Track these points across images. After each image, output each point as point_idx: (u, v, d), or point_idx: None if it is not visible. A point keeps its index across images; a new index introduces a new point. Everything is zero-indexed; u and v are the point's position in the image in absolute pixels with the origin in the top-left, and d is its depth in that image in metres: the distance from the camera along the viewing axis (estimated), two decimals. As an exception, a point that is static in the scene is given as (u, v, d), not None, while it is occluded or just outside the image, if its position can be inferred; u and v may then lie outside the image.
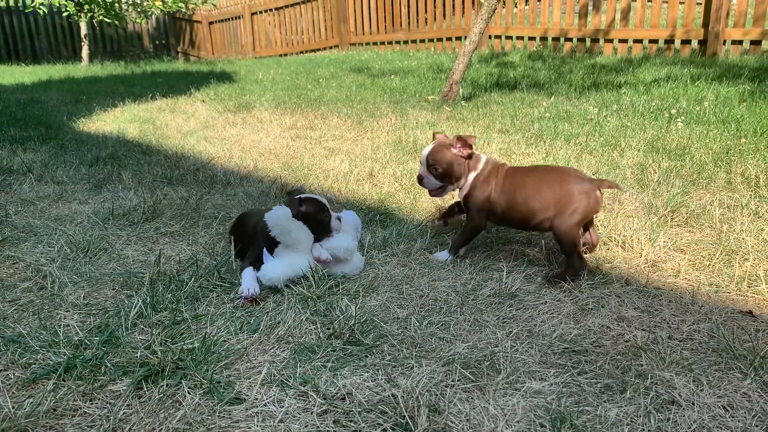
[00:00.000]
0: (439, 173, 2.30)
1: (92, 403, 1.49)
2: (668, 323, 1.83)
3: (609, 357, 1.66)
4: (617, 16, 8.02)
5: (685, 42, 7.41)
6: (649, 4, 7.80)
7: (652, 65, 6.85)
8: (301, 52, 12.94)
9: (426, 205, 2.93)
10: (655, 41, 7.70)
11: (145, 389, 1.53)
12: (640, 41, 7.84)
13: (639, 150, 3.70)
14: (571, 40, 8.53)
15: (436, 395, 1.50)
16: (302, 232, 2.15)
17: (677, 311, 1.90)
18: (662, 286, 2.08)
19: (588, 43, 8.33)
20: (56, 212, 2.92)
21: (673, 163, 3.40)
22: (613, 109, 4.92)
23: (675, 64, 6.72)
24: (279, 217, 2.12)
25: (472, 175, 2.30)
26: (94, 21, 13.45)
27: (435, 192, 2.38)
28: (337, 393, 1.51)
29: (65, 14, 12.87)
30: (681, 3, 7.93)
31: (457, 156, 2.29)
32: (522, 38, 9.21)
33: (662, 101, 5.05)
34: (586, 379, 1.57)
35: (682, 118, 4.42)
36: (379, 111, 5.47)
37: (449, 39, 10.10)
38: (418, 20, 10.72)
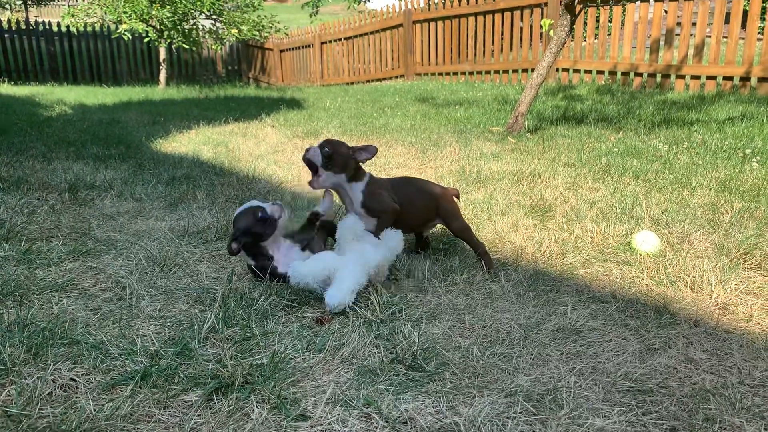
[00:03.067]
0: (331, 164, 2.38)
1: (166, 411, 1.57)
2: (739, 368, 1.79)
3: (676, 399, 1.63)
4: (690, 51, 7.88)
5: (762, 80, 7.19)
6: (725, 40, 7.63)
7: (725, 103, 6.68)
8: (368, 81, 13.20)
9: (489, 235, 2.95)
10: (730, 78, 7.51)
11: (216, 401, 1.59)
12: (713, 78, 7.66)
13: (711, 189, 3.61)
14: (641, 74, 8.41)
15: (498, 426, 1.50)
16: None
17: (749, 356, 1.85)
18: (733, 329, 2.03)
19: (659, 78, 8.20)
20: (135, 227, 3.07)
21: (746, 204, 3.30)
22: (684, 146, 4.82)
23: (750, 103, 6.53)
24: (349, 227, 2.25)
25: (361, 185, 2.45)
26: (172, 47, 14.12)
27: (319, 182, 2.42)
28: (399, 417, 1.54)
29: (146, 40, 13.56)
30: (759, 40, 7.73)
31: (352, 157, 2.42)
32: (590, 72, 9.14)
33: (736, 140, 4.91)
34: (652, 419, 1.54)
35: (758, 158, 4.29)
36: (443, 141, 5.52)
37: (515, 71, 10.12)
38: (484, 52, 10.79)
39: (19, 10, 28.26)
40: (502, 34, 10.31)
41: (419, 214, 2.58)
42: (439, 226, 2.77)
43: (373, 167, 4.50)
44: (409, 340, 1.89)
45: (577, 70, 9.28)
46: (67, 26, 15.11)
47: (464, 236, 2.61)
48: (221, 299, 2.18)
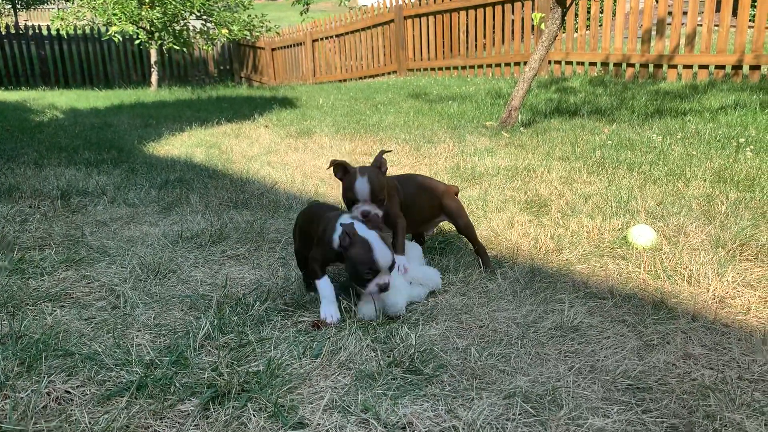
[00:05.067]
0: (382, 200, 2.22)
1: (162, 422, 1.55)
2: (738, 363, 1.78)
3: (675, 396, 1.62)
4: (682, 41, 7.87)
5: (754, 68, 7.19)
6: (716, 28, 7.63)
7: (718, 92, 6.68)
8: (360, 78, 13.17)
9: (484, 232, 2.93)
10: (722, 67, 7.50)
11: (212, 410, 1.58)
12: (705, 67, 7.66)
13: (705, 180, 3.60)
14: (633, 65, 8.41)
15: (497, 428, 1.49)
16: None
17: (747, 350, 1.84)
18: (731, 323, 2.02)
19: (651, 68, 8.19)
20: (128, 234, 3.05)
21: (741, 195, 3.30)
22: (678, 137, 4.81)
23: (743, 91, 6.53)
24: None
25: None
26: (163, 48, 14.06)
27: (378, 222, 2.20)
28: (397, 422, 1.53)
29: (137, 42, 13.50)
30: (750, 27, 7.72)
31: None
32: (582, 63, 9.13)
33: (730, 129, 4.91)
34: (651, 417, 1.54)
35: (751, 147, 4.29)
36: (437, 137, 5.50)
37: (507, 64, 10.10)
38: (476, 46, 10.77)
39: (8, 15, 28.10)
40: (494, 28, 10.28)
41: (423, 212, 2.52)
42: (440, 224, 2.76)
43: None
44: (406, 342, 1.88)
45: (569, 62, 9.27)
46: (57, 29, 15.02)
47: (469, 233, 2.58)
48: (216, 305, 2.16)
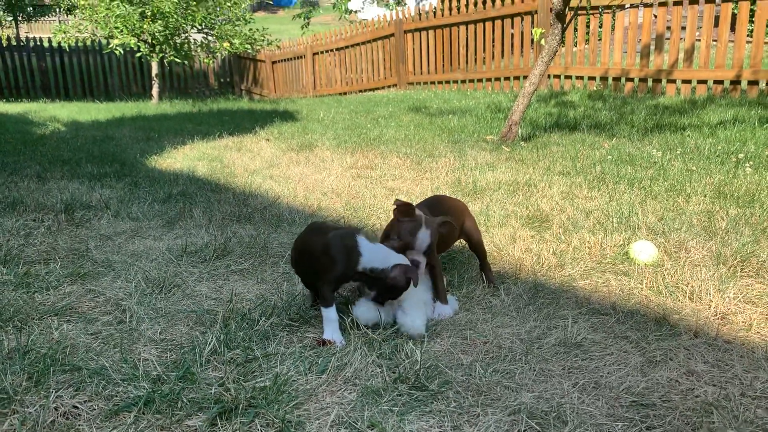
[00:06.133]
0: (429, 253, 2.23)
1: (170, 438, 1.56)
2: (740, 379, 1.79)
3: (678, 412, 1.63)
4: (680, 56, 7.93)
5: (752, 83, 7.25)
6: (714, 44, 7.69)
7: (717, 107, 6.72)
8: (361, 91, 13.24)
9: (487, 248, 2.95)
10: (720, 82, 7.56)
11: (220, 425, 1.59)
12: (704, 82, 7.72)
13: (705, 196, 3.63)
14: (632, 80, 8.46)
15: (503, 445, 1.51)
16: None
17: (750, 367, 1.86)
18: (733, 339, 2.04)
19: (650, 83, 8.25)
20: (132, 248, 3.07)
21: (741, 211, 3.32)
22: (678, 152, 4.85)
23: (742, 106, 6.58)
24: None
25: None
26: (164, 61, 14.14)
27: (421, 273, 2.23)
28: (404, 438, 1.54)
29: (138, 55, 13.57)
30: (748, 43, 7.78)
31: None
32: (582, 78, 9.19)
33: (729, 145, 4.94)
34: (656, 434, 1.55)
35: (751, 162, 4.32)
36: (438, 151, 5.53)
37: (507, 78, 10.16)
38: (476, 60, 10.84)
39: (9, 26, 28.25)
40: (493, 42, 10.36)
41: (452, 237, 2.47)
42: None
43: (368, 180, 4.51)
44: (412, 358, 1.89)
45: (568, 77, 9.33)
46: (59, 42, 15.10)
47: (481, 249, 2.56)
48: (222, 320, 2.18)
